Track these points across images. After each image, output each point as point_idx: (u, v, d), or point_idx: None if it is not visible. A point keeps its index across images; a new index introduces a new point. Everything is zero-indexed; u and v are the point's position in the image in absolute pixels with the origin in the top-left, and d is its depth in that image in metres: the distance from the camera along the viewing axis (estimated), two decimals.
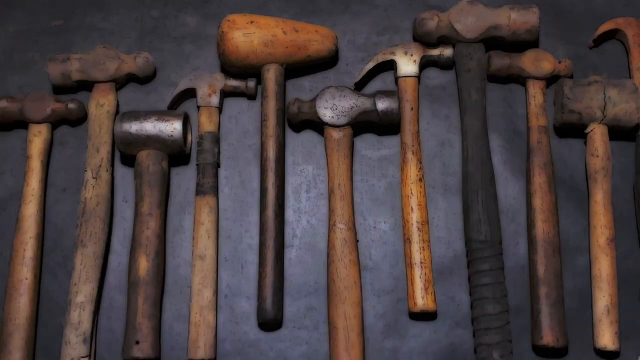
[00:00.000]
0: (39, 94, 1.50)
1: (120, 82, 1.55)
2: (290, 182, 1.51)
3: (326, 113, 1.47)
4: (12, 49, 1.59)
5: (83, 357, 1.36)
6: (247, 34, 1.48)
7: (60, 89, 1.55)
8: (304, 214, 1.50)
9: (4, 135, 1.54)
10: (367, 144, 1.53)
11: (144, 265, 1.39)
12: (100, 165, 1.46)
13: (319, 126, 1.50)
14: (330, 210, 1.43)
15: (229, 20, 1.49)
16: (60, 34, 1.60)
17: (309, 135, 1.54)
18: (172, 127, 1.44)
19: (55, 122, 1.52)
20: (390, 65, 1.55)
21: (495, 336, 1.36)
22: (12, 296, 1.39)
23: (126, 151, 1.46)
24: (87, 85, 1.54)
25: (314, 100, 1.48)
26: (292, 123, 1.52)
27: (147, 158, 1.44)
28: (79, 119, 1.53)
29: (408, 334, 1.44)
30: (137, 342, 1.36)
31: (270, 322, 1.41)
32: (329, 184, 1.45)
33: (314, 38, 1.51)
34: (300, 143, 1.53)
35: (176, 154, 1.48)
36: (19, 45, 1.59)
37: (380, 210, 1.50)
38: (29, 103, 1.49)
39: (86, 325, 1.37)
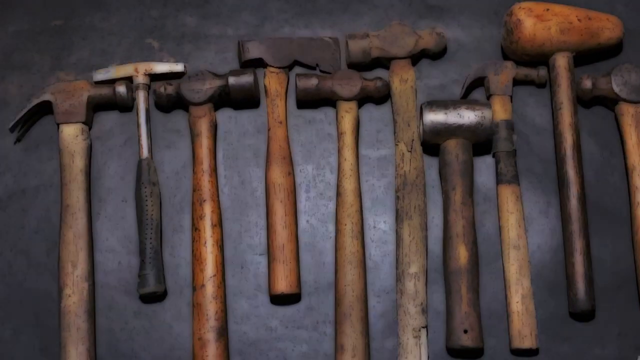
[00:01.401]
0: (348, 72, 1.51)
1: (415, 58, 1.55)
2: None
3: (622, 89, 1.49)
4: (12, 49, 1.59)
5: (423, 327, 1.39)
6: (545, 21, 1.48)
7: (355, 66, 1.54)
8: (303, 214, 1.50)
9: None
10: (367, 144, 1.53)
11: (464, 254, 1.39)
12: (413, 139, 1.48)
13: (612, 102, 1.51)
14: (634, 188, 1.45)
15: (523, 8, 1.49)
16: (60, 34, 1.60)
17: (309, 135, 1.54)
18: (481, 116, 1.44)
19: (361, 100, 1.52)
20: None
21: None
22: (346, 268, 1.41)
23: (432, 140, 1.46)
24: (382, 63, 1.55)
25: (607, 75, 1.50)
26: (582, 100, 1.53)
27: (455, 147, 1.44)
28: (383, 97, 1.53)
29: None
30: (466, 332, 1.36)
31: (584, 313, 1.42)
32: (629, 161, 1.46)
33: (606, 26, 1.51)
34: (299, 143, 1.53)
35: (481, 143, 1.48)
36: (18, 45, 1.59)
37: (380, 210, 1.50)
38: (339, 81, 1.50)
39: (422, 295, 1.40)
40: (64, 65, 1.58)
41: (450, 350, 1.42)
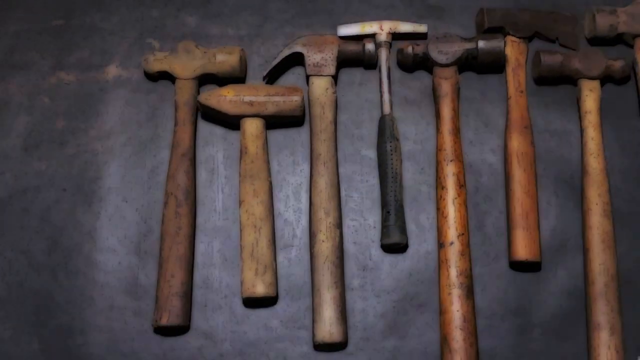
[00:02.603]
0: (592, 50, 1.53)
1: None
2: (291, 182, 1.51)
3: None
4: (13, 49, 1.59)
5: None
6: None
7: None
8: (304, 214, 1.50)
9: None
10: (368, 144, 1.53)
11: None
12: None
13: None
14: None
15: None
16: (60, 34, 1.60)
17: (309, 135, 1.54)
18: None
19: (603, 79, 1.53)
20: None
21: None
22: (599, 248, 1.42)
23: None
24: (623, 40, 1.57)
25: None
26: None
27: None
28: (624, 78, 1.54)
29: (408, 334, 1.44)
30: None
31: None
32: None
33: None
34: (300, 143, 1.53)
35: None
36: (19, 45, 1.59)
37: (380, 211, 1.49)
38: (583, 59, 1.51)
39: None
40: (65, 65, 1.58)
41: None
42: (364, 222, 1.49)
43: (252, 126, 1.48)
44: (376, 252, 1.48)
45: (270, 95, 1.48)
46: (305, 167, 1.52)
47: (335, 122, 1.50)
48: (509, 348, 1.44)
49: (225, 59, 1.52)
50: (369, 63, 1.55)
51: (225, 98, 1.48)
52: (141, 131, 1.54)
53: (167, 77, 1.55)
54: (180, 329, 1.44)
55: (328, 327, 1.38)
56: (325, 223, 1.43)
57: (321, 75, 1.52)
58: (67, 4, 1.62)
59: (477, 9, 1.60)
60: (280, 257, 1.47)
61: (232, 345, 1.44)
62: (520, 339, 1.44)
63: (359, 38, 1.55)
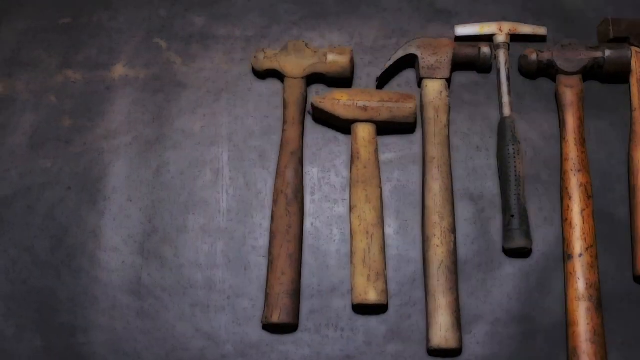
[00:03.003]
0: None
1: None
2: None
3: None
4: (20, 47, 1.59)
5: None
6: None
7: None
8: (308, 217, 1.49)
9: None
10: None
11: None
12: None
13: None
14: None
15: None
16: (68, 32, 1.60)
17: (314, 137, 1.54)
18: None
19: None
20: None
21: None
22: None
23: None
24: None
25: None
26: None
27: None
28: None
29: (411, 338, 1.44)
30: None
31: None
32: None
33: None
34: (306, 145, 1.53)
35: None
36: (26, 43, 1.59)
37: (385, 214, 1.49)
38: None
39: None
40: (72, 63, 1.58)
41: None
42: None
43: (364, 131, 1.48)
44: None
45: (384, 100, 1.47)
46: (311, 170, 1.52)
47: (448, 125, 1.49)
48: None
49: (336, 59, 1.51)
50: (484, 67, 1.54)
51: (339, 102, 1.47)
52: (147, 131, 1.54)
53: (275, 75, 1.55)
54: (289, 327, 1.44)
55: (444, 333, 1.37)
56: (439, 227, 1.42)
57: (435, 78, 1.51)
58: (75, 2, 1.62)
59: (486, 13, 1.60)
60: None
61: (234, 346, 1.44)
62: None
63: (472, 39, 1.55)
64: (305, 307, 1.45)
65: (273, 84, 1.56)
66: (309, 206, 1.50)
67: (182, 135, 1.54)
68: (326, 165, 1.52)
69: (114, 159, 1.53)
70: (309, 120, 1.54)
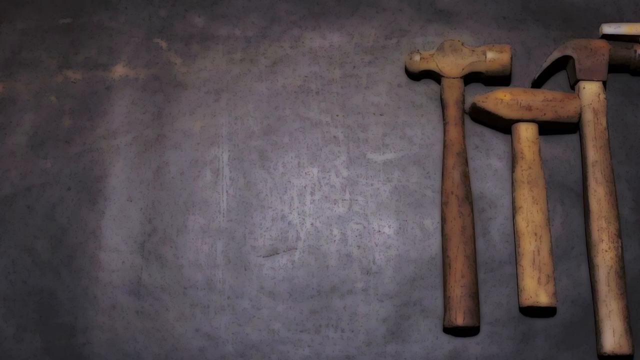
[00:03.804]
0: None
1: None
2: (295, 184, 1.51)
3: None
4: (20, 47, 1.59)
5: None
6: None
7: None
8: (308, 217, 1.49)
9: None
10: (372, 147, 1.53)
11: None
12: None
13: None
14: None
15: None
16: (68, 32, 1.60)
17: (314, 137, 1.54)
18: None
19: None
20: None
21: None
22: None
23: None
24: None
25: None
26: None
27: None
28: None
29: (411, 339, 1.44)
30: None
31: None
32: None
33: None
34: (305, 145, 1.53)
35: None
36: (26, 43, 1.60)
37: (385, 215, 1.49)
38: None
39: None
40: (72, 63, 1.58)
41: None
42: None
43: (527, 131, 1.47)
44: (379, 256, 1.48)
45: (548, 100, 1.47)
46: (311, 170, 1.52)
47: (608, 128, 1.48)
48: None
49: (496, 57, 1.50)
50: (637, 68, 1.54)
51: (502, 101, 1.47)
52: (147, 131, 1.54)
53: (428, 76, 1.55)
54: (472, 330, 1.44)
55: (618, 339, 1.37)
56: (607, 232, 1.42)
57: (592, 80, 1.50)
58: (75, 2, 1.62)
59: (486, 13, 1.60)
60: (284, 260, 1.47)
61: (234, 347, 1.44)
62: None
63: (618, 38, 1.54)
64: (305, 307, 1.45)
65: (273, 84, 1.56)
66: (308, 206, 1.50)
67: (182, 135, 1.54)
68: (326, 166, 1.52)
69: (114, 159, 1.53)
70: (301, 118, 1.54)
